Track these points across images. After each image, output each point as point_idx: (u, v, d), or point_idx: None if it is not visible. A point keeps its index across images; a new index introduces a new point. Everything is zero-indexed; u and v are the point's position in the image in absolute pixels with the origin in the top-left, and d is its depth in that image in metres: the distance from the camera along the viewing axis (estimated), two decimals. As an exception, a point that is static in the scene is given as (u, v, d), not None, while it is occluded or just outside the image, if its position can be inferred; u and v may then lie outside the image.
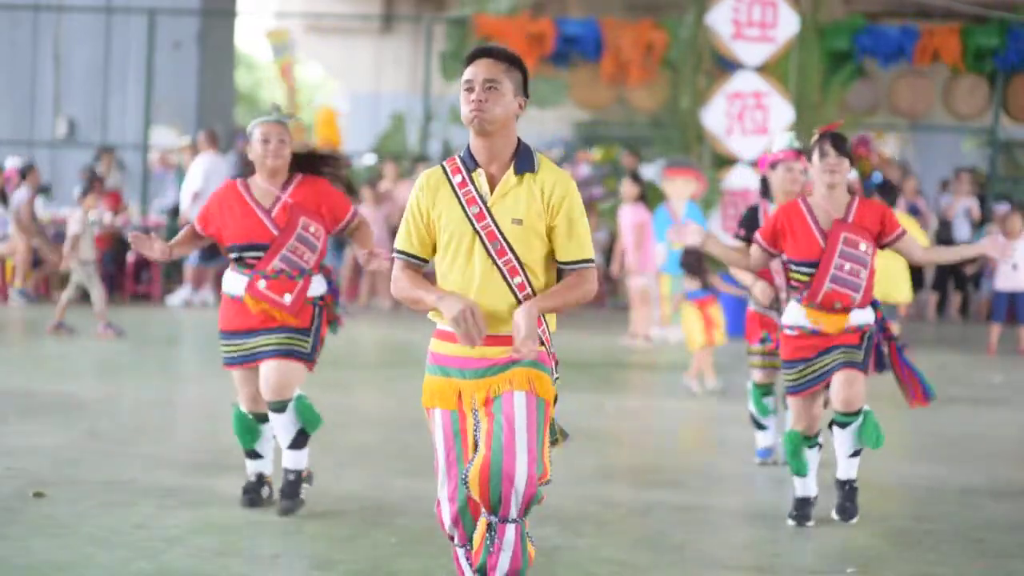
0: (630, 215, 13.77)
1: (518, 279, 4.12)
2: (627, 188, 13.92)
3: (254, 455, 6.25)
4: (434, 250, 4.23)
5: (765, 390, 7.73)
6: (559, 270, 4.23)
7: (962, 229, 17.32)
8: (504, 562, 4.12)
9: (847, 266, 5.97)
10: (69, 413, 8.80)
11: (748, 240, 7.40)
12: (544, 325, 4.19)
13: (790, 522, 6.20)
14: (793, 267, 6.09)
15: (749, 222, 7.45)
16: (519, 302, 4.12)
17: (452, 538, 4.28)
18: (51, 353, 11.74)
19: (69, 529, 5.64)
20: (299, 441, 6.09)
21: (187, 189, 16.54)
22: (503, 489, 4.04)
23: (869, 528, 6.12)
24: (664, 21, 16.26)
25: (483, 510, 4.13)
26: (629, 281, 14.17)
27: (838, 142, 5.99)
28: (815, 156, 6.02)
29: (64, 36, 20.49)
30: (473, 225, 4.12)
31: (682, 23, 15.81)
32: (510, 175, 4.14)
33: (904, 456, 8.10)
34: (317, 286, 6.10)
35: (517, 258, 4.11)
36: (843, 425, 6.11)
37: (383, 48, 28.08)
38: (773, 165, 7.46)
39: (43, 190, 16.64)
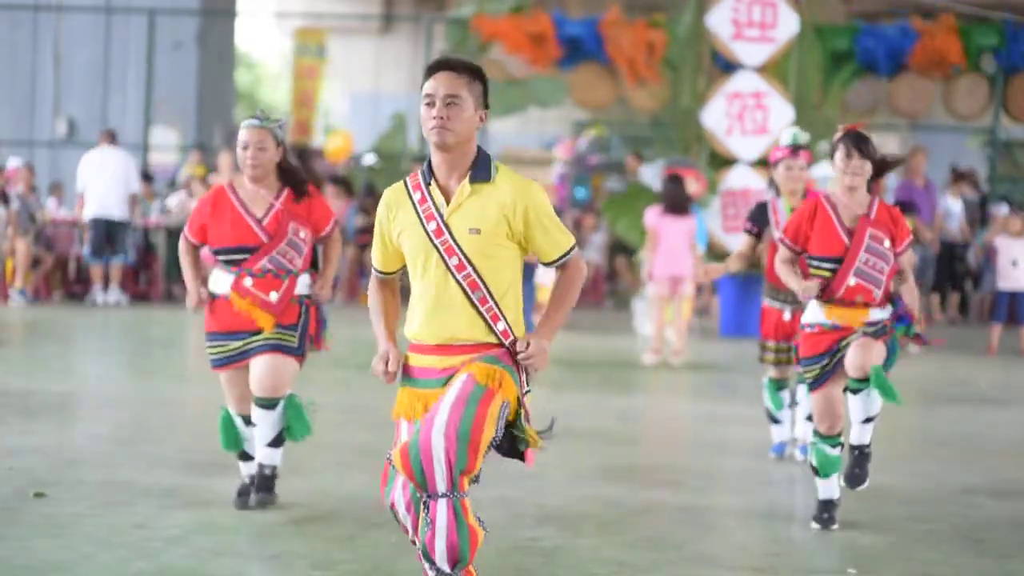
0: (649, 216, 12.65)
1: (479, 293, 4.14)
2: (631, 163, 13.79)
3: (245, 456, 6.25)
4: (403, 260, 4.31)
5: (779, 384, 7.69)
6: (549, 267, 4.29)
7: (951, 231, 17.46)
8: (440, 540, 4.04)
9: (871, 261, 5.96)
10: (69, 413, 8.79)
11: (758, 234, 7.43)
12: (512, 336, 4.19)
13: (815, 525, 6.14)
14: (815, 263, 6.08)
15: (758, 217, 7.47)
16: (480, 315, 4.15)
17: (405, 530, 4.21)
18: (51, 353, 11.74)
19: (69, 529, 5.63)
20: (280, 440, 6.11)
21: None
22: (422, 461, 4.01)
23: (869, 528, 6.12)
24: (663, 21, 16.25)
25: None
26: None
27: (861, 144, 5.96)
28: (837, 155, 5.99)
29: (64, 36, 20.50)
30: (432, 241, 4.15)
31: (682, 23, 15.81)
32: (465, 185, 4.15)
33: (904, 456, 8.10)
34: (303, 286, 6.10)
35: (476, 271, 4.13)
36: (856, 391, 6.08)
37: (383, 48, 28.11)
38: (775, 164, 7.50)
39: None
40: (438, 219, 4.14)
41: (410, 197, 4.21)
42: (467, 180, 4.15)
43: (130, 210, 16.16)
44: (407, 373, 4.29)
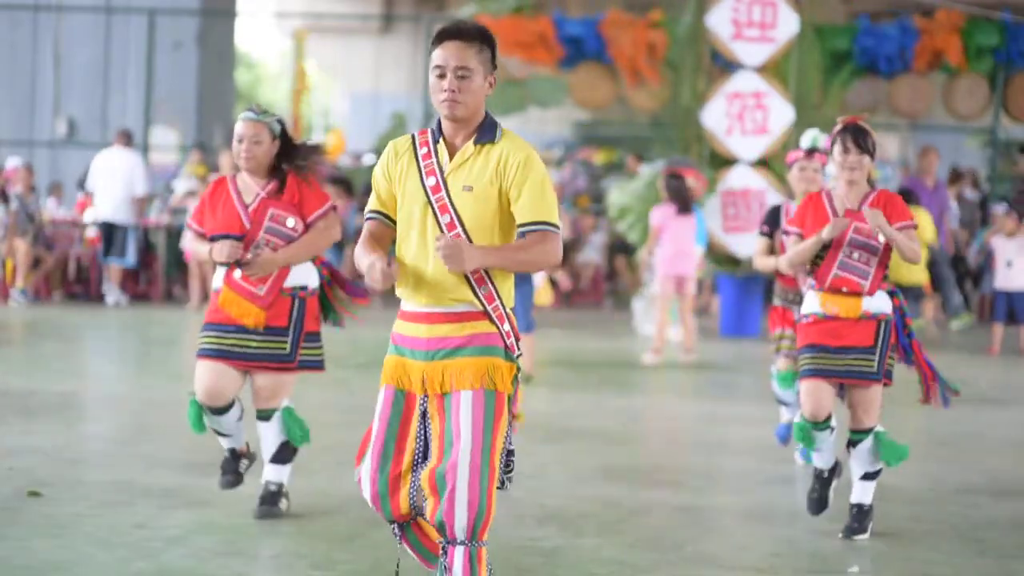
0: (655, 215, 12.77)
1: None
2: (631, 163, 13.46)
3: (219, 434, 6.18)
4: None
5: (787, 375, 7.63)
6: (520, 235, 4.15)
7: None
8: None
9: (855, 254, 5.94)
10: (69, 413, 8.79)
11: (771, 235, 7.38)
12: (498, 301, 4.15)
13: (809, 510, 6.14)
14: None
15: (771, 220, 7.42)
16: (467, 278, 4.10)
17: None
18: (51, 353, 11.74)
19: (69, 529, 5.64)
20: (282, 456, 6.06)
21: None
22: (444, 509, 4.03)
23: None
24: (663, 20, 16.24)
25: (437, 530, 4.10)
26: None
27: (859, 137, 5.92)
28: (835, 149, 5.96)
29: (64, 36, 20.51)
30: (428, 197, 4.12)
31: (682, 23, 15.80)
32: (469, 145, 4.13)
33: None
34: (297, 276, 6.01)
35: (466, 232, 4.09)
36: (855, 443, 6.07)
37: (383, 48, 28.12)
38: (790, 165, 7.47)
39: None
40: (438, 175, 4.12)
41: (415, 151, 4.18)
42: (472, 141, 4.13)
43: (133, 213, 16.13)
44: (393, 340, 4.27)
